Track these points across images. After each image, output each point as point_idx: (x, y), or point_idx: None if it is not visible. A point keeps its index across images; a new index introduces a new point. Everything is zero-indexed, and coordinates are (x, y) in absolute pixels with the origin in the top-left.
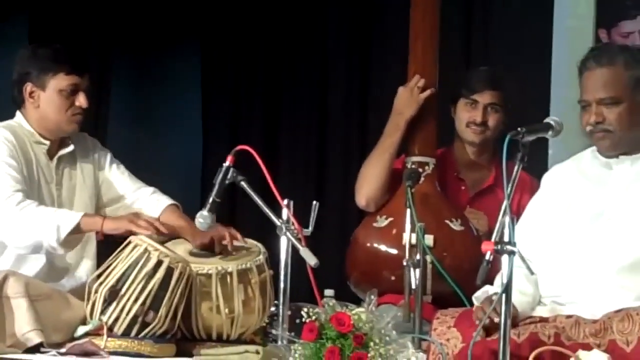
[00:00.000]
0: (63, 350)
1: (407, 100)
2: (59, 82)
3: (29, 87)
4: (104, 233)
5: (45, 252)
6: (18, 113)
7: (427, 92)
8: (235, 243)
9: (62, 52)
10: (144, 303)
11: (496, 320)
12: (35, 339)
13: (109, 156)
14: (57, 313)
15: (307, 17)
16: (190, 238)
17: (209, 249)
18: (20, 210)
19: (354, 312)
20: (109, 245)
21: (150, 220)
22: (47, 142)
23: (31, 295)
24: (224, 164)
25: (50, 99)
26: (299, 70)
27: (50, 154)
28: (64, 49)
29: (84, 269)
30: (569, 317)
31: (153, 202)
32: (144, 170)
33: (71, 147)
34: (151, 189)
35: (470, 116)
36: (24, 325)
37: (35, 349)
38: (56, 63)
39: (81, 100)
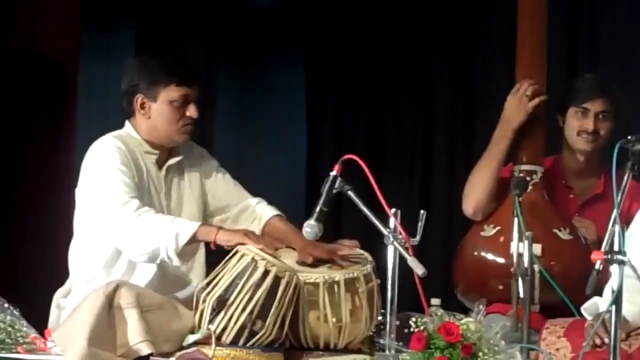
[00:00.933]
0: (172, 359)
1: (516, 108)
2: (170, 93)
3: (139, 98)
4: (216, 244)
5: (160, 262)
6: (127, 123)
7: (537, 100)
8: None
9: (172, 63)
10: (251, 312)
11: (606, 340)
12: (145, 350)
13: (215, 165)
14: (168, 323)
15: (410, 26)
16: (298, 248)
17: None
18: (139, 216)
19: (462, 321)
20: (215, 254)
21: (264, 238)
22: (157, 152)
23: (142, 306)
24: (331, 173)
25: (161, 110)
26: (404, 78)
27: (160, 163)
28: (174, 59)
29: (195, 279)
30: None
31: (258, 213)
32: (249, 180)
33: (180, 157)
34: (256, 199)
35: (581, 125)
36: (134, 336)
37: (143, 358)
38: (167, 74)
39: (192, 111)
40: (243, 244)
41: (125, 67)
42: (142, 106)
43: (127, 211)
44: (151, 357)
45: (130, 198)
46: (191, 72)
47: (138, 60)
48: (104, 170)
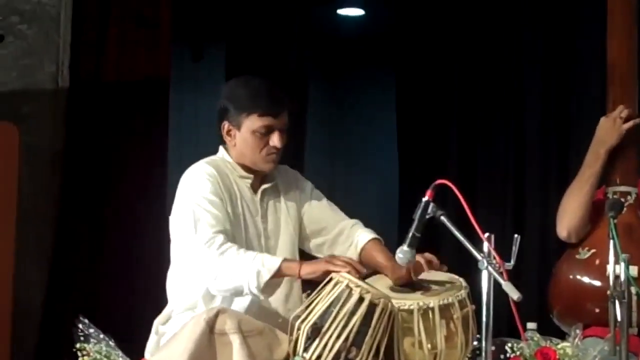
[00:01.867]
0: None
1: (609, 130)
2: (252, 122)
3: (226, 125)
4: (301, 278)
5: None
6: (221, 148)
7: (631, 123)
8: (431, 274)
9: (258, 91)
10: (346, 339)
11: None
12: None
13: (310, 187)
14: (269, 350)
15: (502, 47)
16: (390, 274)
17: (407, 283)
18: (220, 255)
19: (559, 346)
20: (310, 282)
21: (348, 260)
22: (251, 176)
23: (244, 331)
24: (423, 199)
25: (244, 138)
26: (495, 101)
27: (254, 187)
28: (263, 86)
29: (292, 306)
30: None
31: (354, 238)
32: (340, 204)
33: (274, 181)
34: (353, 221)
35: None
36: None
37: None
38: (251, 103)
39: (275, 140)
40: (328, 273)
41: (221, 92)
42: (229, 133)
43: (211, 249)
44: None
45: (216, 233)
46: (277, 101)
47: (230, 85)
48: (192, 201)
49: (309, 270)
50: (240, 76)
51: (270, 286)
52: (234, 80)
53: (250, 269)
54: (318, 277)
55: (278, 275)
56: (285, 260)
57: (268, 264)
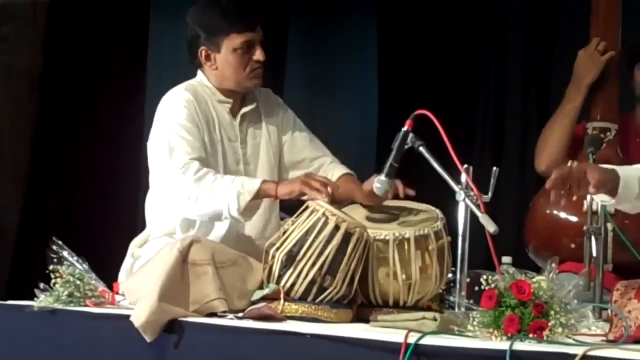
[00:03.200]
0: (240, 314)
1: (587, 63)
2: (232, 41)
3: (203, 51)
4: (278, 198)
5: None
6: (199, 72)
7: (608, 55)
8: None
9: (230, 9)
10: (321, 268)
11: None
12: (219, 307)
13: (292, 117)
14: (242, 280)
15: None
16: (361, 199)
17: (382, 212)
18: (197, 180)
19: (534, 280)
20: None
21: (323, 179)
22: (230, 100)
23: (217, 262)
24: (402, 129)
25: (226, 59)
26: (475, 28)
27: (234, 112)
28: (232, 5)
29: (270, 234)
30: None
31: (328, 172)
32: (320, 135)
33: (254, 105)
34: (330, 157)
35: None
36: (208, 293)
37: (213, 313)
38: (226, 22)
39: (258, 54)
40: (304, 193)
41: (186, 19)
42: (207, 58)
43: (187, 176)
44: (222, 313)
45: (191, 160)
46: (251, 16)
47: (197, 10)
48: (168, 128)
49: (286, 190)
50: (199, 4)
51: (250, 209)
52: (197, 5)
53: (229, 192)
54: (295, 197)
55: (258, 196)
56: (264, 181)
57: (248, 185)
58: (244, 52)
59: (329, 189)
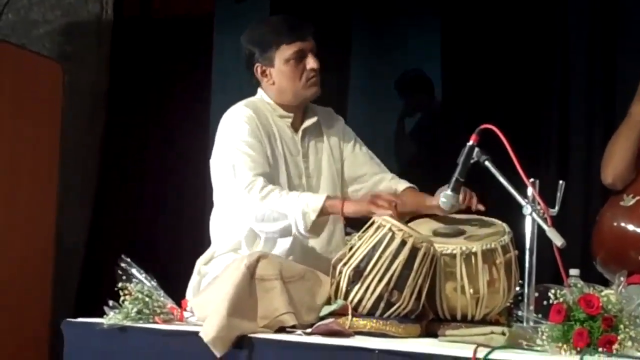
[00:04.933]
0: (309, 330)
1: None
2: (283, 53)
3: (258, 67)
4: (344, 216)
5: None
6: (259, 89)
7: None
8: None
9: (278, 23)
10: (388, 283)
11: None
12: (289, 321)
13: (352, 135)
14: (310, 294)
15: None
16: (429, 204)
17: (450, 227)
18: (263, 198)
19: (602, 293)
20: (353, 226)
21: (390, 198)
22: (291, 115)
23: (284, 277)
24: (467, 143)
25: (280, 71)
26: (540, 44)
27: (295, 126)
28: (281, 19)
29: (335, 249)
30: None
31: (392, 186)
32: (382, 151)
33: (315, 118)
34: (391, 174)
35: None
36: (277, 307)
37: (282, 329)
38: (275, 36)
39: (311, 62)
40: (372, 212)
41: (241, 41)
42: (264, 73)
43: (252, 193)
44: (290, 329)
45: (255, 176)
46: (299, 26)
47: (248, 31)
48: (231, 144)
49: (352, 209)
50: (251, 25)
51: (317, 226)
52: (248, 28)
53: (295, 210)
54: (362, 216)
55: (323, 213)
56: (328, 197)
57: (312, 203)
58: (297, 62)
59: (396, 207)
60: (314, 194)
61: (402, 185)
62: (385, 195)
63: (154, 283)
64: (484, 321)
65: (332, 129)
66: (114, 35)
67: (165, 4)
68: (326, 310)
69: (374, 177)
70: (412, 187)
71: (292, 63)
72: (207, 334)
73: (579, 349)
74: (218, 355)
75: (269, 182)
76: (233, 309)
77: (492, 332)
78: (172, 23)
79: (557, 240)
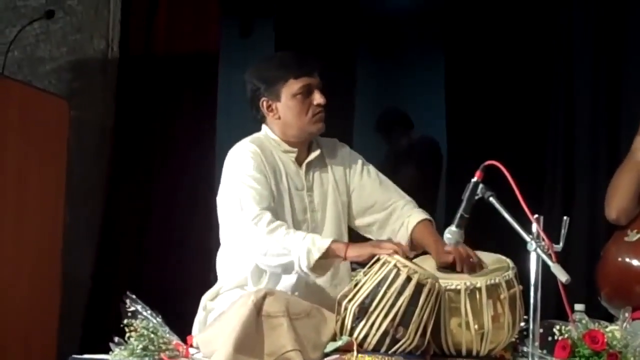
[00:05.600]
0: None
1: None
2: (290, 88)
3: (264, 102)
4: (347, 260)
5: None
6: (264, 126)
7: None
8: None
9: (286, 58)
10: (393, 319)
11: None
12: (295, 359)
13: (360, 162)
14: (316, 331)
15: (552, 27)
16: (435, 255)
17: (451, 267)
18: (270, 232)
19: (607, 329)
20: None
21: (395, 247)
22: (295, 150)
23: (291, 314)
24: (472, 180)
25: (287, 106)
26: (544, 80)
27: (299, 161)
28: (288, 54)
29: (340, 285)
30: None
31: (404, 219)
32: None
33: (318, 151)
34: (405, 200)
35: None
36: (284, 344)
37: None
38: (283, 70)
39: (317, 98)
40: (373, 257)
41: (245, 77)
42: (269, 108)
43: (259, 227)
44: None
45: (262, 210)
46: (306, 62)
47: (255, 66)
48: (237, 179)
49: (355, 253)
50: (258, 60)
51: (321, 267)
52: (255, 63)
53: (300, 247)
54: (364, 261)
55: (327, 255)
56: (334, 241)
57: (318, 243)
58: (304, 97)
59: (404, 252)
60: (321, 237)
61: (413, 219)
62: (388, 244)
63: (160, 319)
64: (489, 357)
65: (337, 160)
66: (119, 72)
67: (171, 40)
68: (331, 346)
69: (386, 207)
70: (426, 219)
71: (299, 98)
72: None
73: None
74: None
75: (275, 216)
76: (240, 345)
77: None
78: (178, 59)
79: (562, 276)
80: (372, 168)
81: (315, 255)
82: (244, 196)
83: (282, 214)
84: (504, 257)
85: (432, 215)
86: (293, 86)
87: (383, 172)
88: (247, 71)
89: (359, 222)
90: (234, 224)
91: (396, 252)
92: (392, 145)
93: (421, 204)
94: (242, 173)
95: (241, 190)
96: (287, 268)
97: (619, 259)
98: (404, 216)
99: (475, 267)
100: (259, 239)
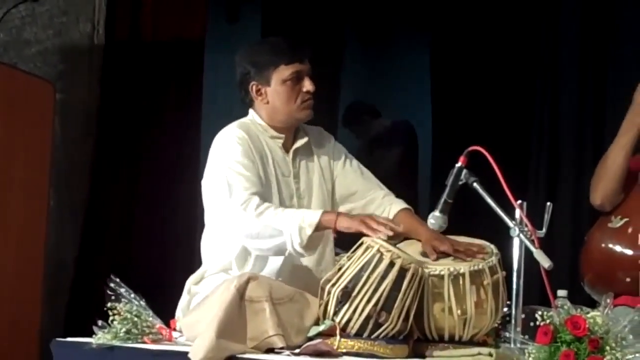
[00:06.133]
0: (297, 350)
1: None
2: (281, 73)
3: (254, 86)
4: (337, 230)
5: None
6: (251, 111)
7: None
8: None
9: (278, 43)
10: (376, 304)
11: None
12: (278, 343)
13: (343, 152)
14: (299, 316)
15: (539, 9)
16: (424, 240)
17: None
18: (258, 215)
19: (589, 315)
20: (342, 246)
21: (384, 221)
22: (282, 136)
23: (274, 299)
24: (456, 165)
25: (276, 91)
26: (530, 65)
27: (286, 147)
28: (280, 40)
29: (324, 270)
30: None
31: (385, 206)
32: (373, 167)
33: (306, 139)
34: (384, 191)
35: None
36: (266, 329)
37: (270, 350)
38: (274, 56)
39: (307, 85)
40: (363, 230)
41: (235, 60)
42: (258, 92)
43: (248, 211)
44: (279, 350)
45: (250, 195)
46: (299, 48)
47: (246, 49)
48: (224, 165)
49: (345, 224)
50: (249, 44)
51: (312, 242)
52: (247, 46)
53: (291, 226)
54: (353, 231)
55: (319, 228)
56: (324, 212)
57: (308, 219)
58: (294, 84)
59: (389, 230)
60: (310, 210)
61: (395, 207)
62: (379, 218)
63: (143, 303)
64: (472, 342)
65: (322, 149)
66: (105, 55)
67: (157, 24)
68: (314, 330)
69: (366, 196)
70: (407, 208)
71: (288, 84)
72: (196, 355)
73: None
74: None
75: (264, 201)
76: (222, 330)
77: (480, 353)
78: (164, 44)
79: (545, 261)
80: (354, 160)
81: (308, 231)
82: (232, 182)
83: (269, 200)
84: (487, 243)
85: (411, 204)
86: (284, 72)
87: (363, 161)
88: (238, 54)
89: (340, 209)
90: (222, 209)
91: (385, 226)
92: (366, 135)
93: (401, 192)
94: (230, 159)
95: (229, 175)
96: (280, 249)
97: (603, 245)
98: (385, 204)
99: (474, 254)
100: (248, 223)
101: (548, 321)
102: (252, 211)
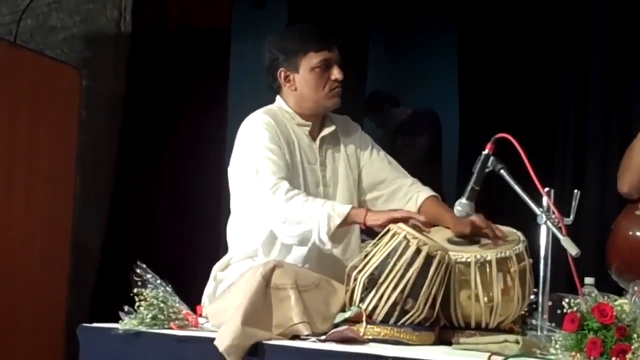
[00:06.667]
0: (323, 337)
1: None
2: (310, 60)
3: (282, 72)
4: (366, 225)
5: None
6: (278, 97)
7: None
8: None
9: (307, 31)
10: (403, 291)
11: None
12: (303, 331)
13: (370, 141)
14: (325, 303)
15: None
16: (451, 226)
17: (465, 235)
18: (288, 200)
19: (616, 303)
20: (368, 234)
21: (411, 213)
22: (309, 123)
23: (300, 286)
24: (483, 152)
25: (304, 79)
26: (557, 52)
27: (313, 135)
28: (309, 27)
29: (350, 258)
30: None
31: (413, 194)
32: (400, 157)
33: (333, 127)
34: (411, 179)
35: None
36: (292, 317)
37: (296, 336)
38: (304, 43)
39: (336, 73)
40: (391, 220)
41: (264, 45)
42: (287, 79)
43: (277, 195)
44: (305, 337)
45: (279, 179)
46: (328, 36)
47: (275, 36)
48: (252, 150)
49: (374, 217)
50: (278, 31)
51: (339, 234)
52: (275, 34)
53: (320, 214)
54: (382, 225)
55: (347, 221)
56: (353, 207)
57: (338, 209)
58: (322, 71)
59: (420, 219)
60: (340, 204)
61: (422, 194)
62: (406, 211)
63: (169, 289)
64: (498, 329)
65: (349, 138)
66: (132, 42)
67: (184, 11)
68: (340, 317)
69: (393, 184)
70: (434, 195)
71: (317, 72)
72: (222, 342)
73: (592, 358)
74: None
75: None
76: (248, 318)
77: (506, 341)
78: (190, 31)
79: (572, 249)
80: (381, 150)
81: (337, 220)
82: (260, 166)
83: (295, 186)
84: (514, 230)
85: (436, 191)
86: (313, 59)
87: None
88: (267, 40)
89: (365, 198)
90: (251, 193)
91: (412, 218)
92: (388, 123)
93: (426, 180)
94: (257, 144)
95: (257, 160)
96: (305, 237)
97: (630, 233)
98: (412, 192)
99: (498, 238)
100: (277, 207)
101: (575, 309)
102: (281, 195)
